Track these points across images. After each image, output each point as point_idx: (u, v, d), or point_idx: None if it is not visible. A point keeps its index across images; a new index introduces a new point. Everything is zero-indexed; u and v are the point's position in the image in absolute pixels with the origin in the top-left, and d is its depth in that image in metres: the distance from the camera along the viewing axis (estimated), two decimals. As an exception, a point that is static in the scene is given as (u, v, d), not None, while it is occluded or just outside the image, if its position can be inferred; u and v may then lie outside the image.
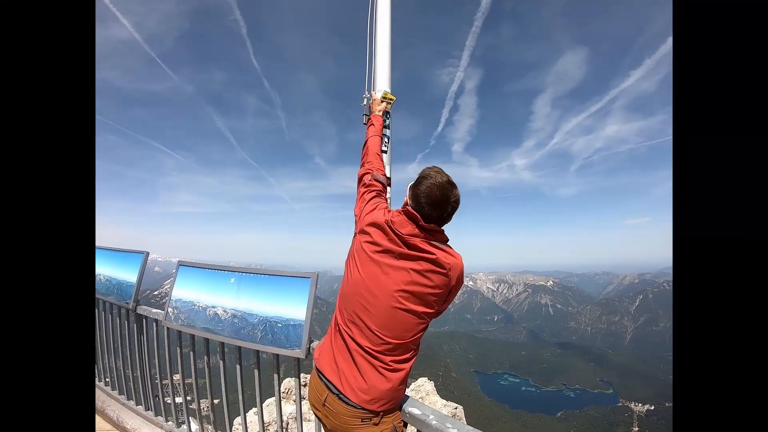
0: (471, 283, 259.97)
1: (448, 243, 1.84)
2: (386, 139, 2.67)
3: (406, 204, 1.89)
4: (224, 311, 2.89)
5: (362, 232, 1.93)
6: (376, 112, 2.69)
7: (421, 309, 1.75)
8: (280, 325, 2.61)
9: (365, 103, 2.75)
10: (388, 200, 2.39)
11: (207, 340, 3.11)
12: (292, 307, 2.59)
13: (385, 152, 2.64)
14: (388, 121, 2.73)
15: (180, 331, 3.34)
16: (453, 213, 1.84)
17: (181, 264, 3.38)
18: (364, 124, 2.69)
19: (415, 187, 1.84)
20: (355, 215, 2.10)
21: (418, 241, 1.76)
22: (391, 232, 1.79)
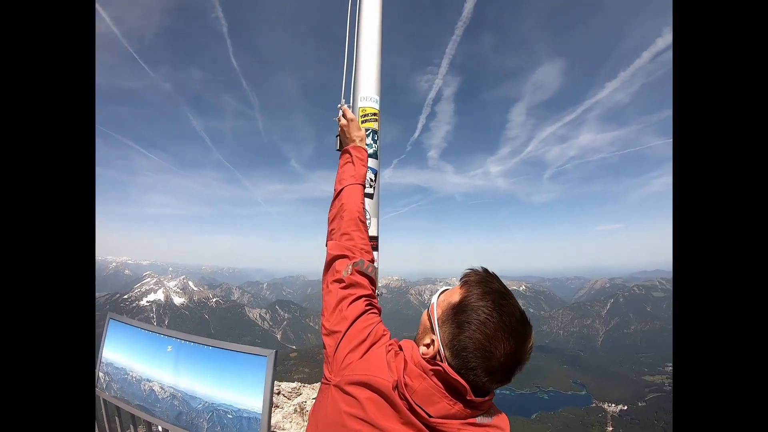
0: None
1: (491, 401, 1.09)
2: (372, 177, 1.83)
3: (434, 350, 1.07)
4: (161, 388, 2.25)
5: (343, 390, 1.09)
6: (356, 141, 1.76)
7: None
8: (230, 416, 1.99)
9: (338, 118, 1.87)
10: (376, 291, 1.44)
11: (149, 423, 2.44)
12: (244, 394, 1.96)
13: (370, 196, 1.82)
14: (374, 147, 1.87)
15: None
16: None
17: (112, 318, 2.69)
18: (338, 150, 1.84)
19: (457, 326, 1.03)
20: (326, 343, 1.22)
21: (454, 427, 1.01)
22: (405, 409, 1.00)
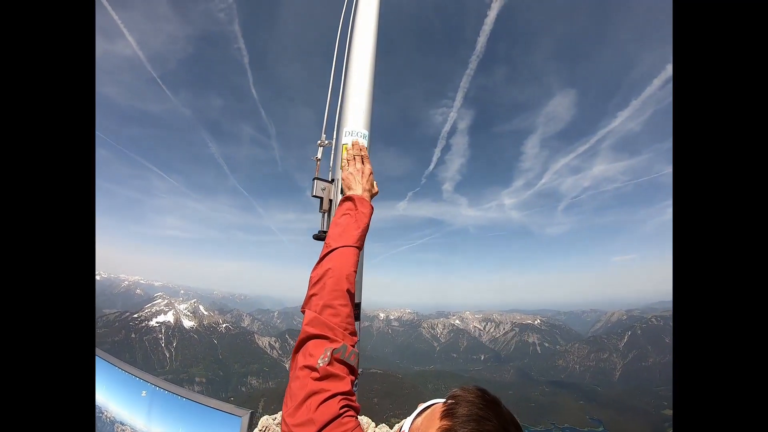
0: (458, 322, 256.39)
1: None
2: None
3: None
4: (133, 434, 2.09)
5: None
6: (363, 192, 1.49)
7: None
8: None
9: (320, 154, 1.59)
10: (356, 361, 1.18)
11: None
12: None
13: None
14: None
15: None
16: None
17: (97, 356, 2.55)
18: (314, 196, 1.61)
19: None
20: None
21: None
22: None
